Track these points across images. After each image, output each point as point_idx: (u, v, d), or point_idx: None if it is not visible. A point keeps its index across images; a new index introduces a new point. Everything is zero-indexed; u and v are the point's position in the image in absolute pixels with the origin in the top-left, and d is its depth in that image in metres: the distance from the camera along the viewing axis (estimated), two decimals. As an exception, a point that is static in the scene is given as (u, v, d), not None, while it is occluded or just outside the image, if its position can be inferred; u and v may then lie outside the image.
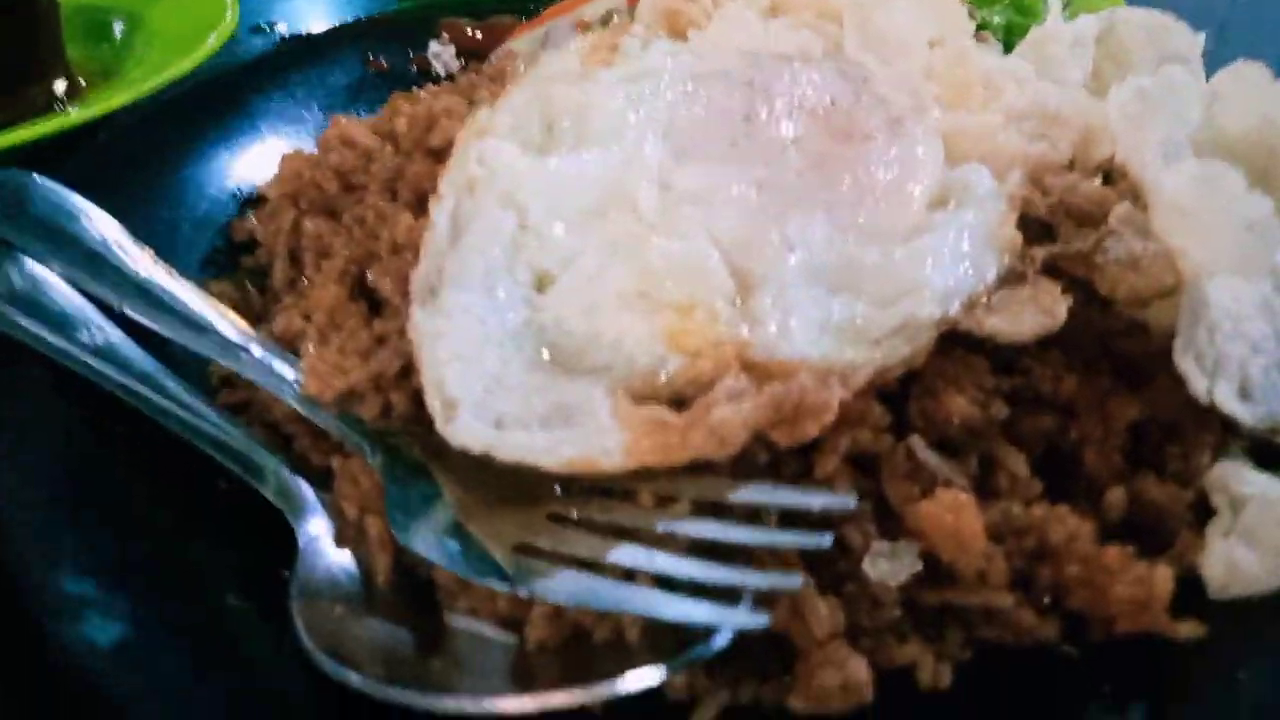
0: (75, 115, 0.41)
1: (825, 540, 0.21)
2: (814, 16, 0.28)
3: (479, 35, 0.40)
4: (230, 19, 0.45)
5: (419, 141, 0.30)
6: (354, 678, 0.20)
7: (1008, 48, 0.34)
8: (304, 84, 0.40)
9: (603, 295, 0.23)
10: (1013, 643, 0.22)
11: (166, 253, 0.32)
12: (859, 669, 0.20)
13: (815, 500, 0.21)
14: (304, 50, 0.41)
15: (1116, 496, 0.23)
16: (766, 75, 0.26)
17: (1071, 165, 0.26)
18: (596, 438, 0.21)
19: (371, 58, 0.41)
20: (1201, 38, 0.31)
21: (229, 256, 0.35)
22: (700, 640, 0.20)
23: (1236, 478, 0.22)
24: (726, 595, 0.20)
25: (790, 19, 0.29)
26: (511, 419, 0.21)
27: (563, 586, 0.20)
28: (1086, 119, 0.26)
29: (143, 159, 0.35)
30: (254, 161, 0.36)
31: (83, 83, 0.47)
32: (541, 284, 0.23)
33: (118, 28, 0.49)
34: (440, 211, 0.24)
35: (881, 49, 0.28)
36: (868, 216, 0.23)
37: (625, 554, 0.20)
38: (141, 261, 0.29)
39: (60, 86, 0.46)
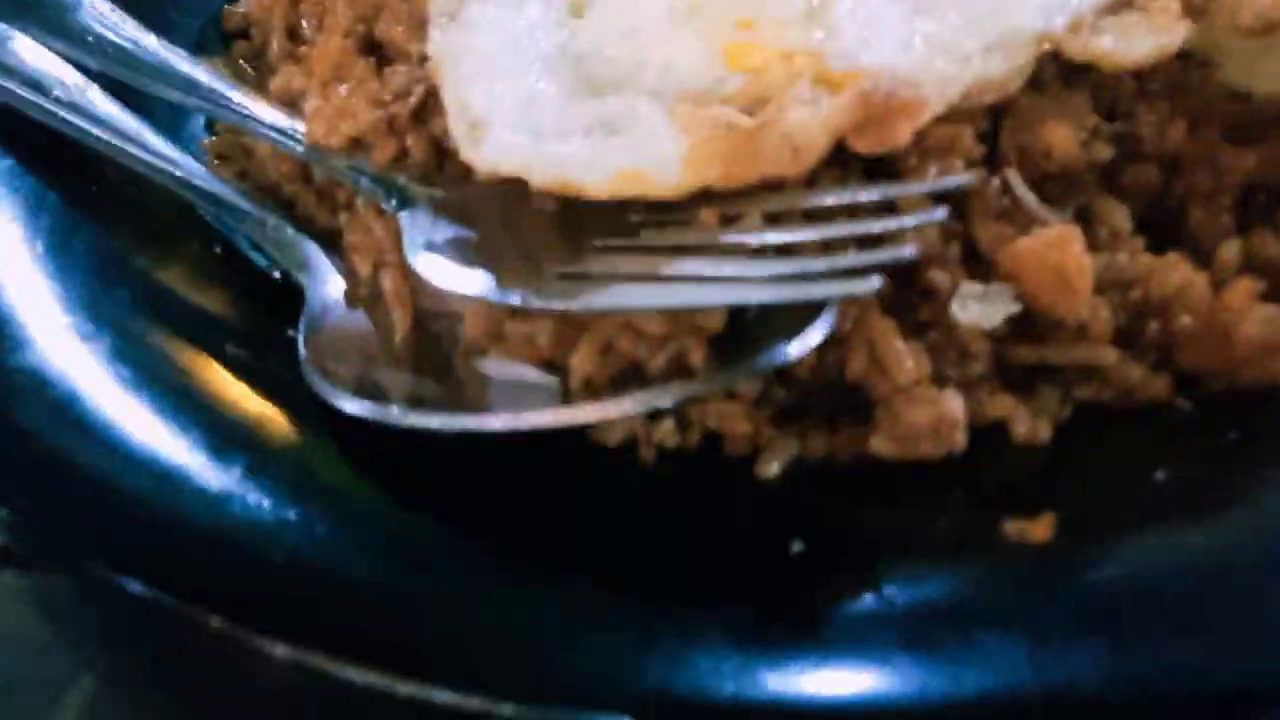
0: None
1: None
2: None
3: None
4: None
5: None
6: (373, 408, 0.17)
7: None
8: None
9: (647, 14, 0.20)
10: (1117, 402, 0.20)
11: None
12: (954, 405, 0.17)
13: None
14: None
15: (1230, 251, 0.20)
16: None
17: None
18: (650, 143, 0.18)
19: None
20: None
21: (221, 43, 0.32)
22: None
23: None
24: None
25: None
26: (548, 130, 0.18)
27: (620, 294, 0.17)
28: None
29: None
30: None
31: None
32: (577, 7, 0.21)
33: None
34: None
35: None
36: None
37: (690, 266, 0.17)
38: (124, 25, 0.26)
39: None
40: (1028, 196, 0.19)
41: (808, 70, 0.19)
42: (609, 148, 0.18)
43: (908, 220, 0.18)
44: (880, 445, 0.18)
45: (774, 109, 0.17)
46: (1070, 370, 0.20)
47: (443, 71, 0.20)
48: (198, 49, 0.33)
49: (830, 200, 0.18)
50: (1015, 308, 0.19)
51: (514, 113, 0.19)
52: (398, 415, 0.17)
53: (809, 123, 0.17)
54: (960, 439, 0.18)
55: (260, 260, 0.24)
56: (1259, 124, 0.23)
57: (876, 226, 0.18)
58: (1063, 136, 0.20)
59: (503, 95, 0.19)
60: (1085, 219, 0.22)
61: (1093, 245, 0.21)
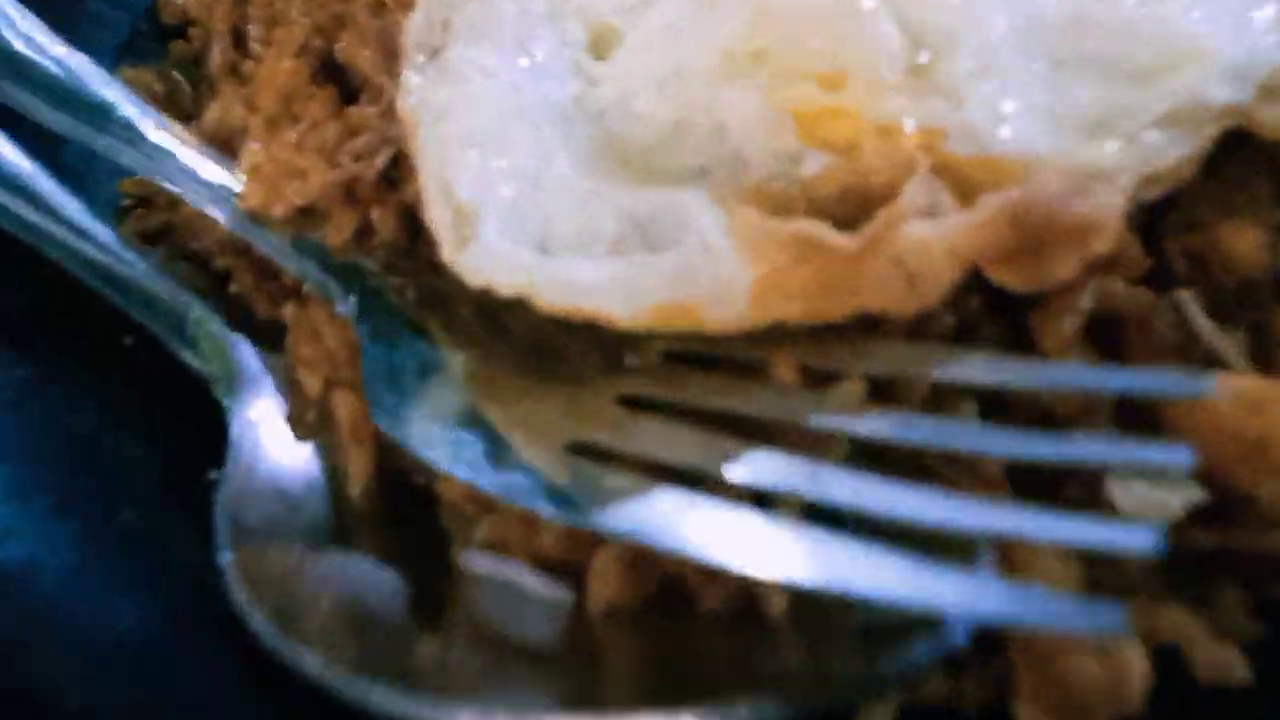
0: None
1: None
2: None
3: None
4: None
5: None
6: (310, 662, 0.13)
7: None
8: None
9: (694, 58, 0.14)
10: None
11: (67, 32, 0.24)
12: (1134, 661, 0.13)
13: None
14: None
15: None
16: None
17: None
18: (704, 265, 0.13)
19: None
20: None
21: (155, 42, 0.26)
22: (918, 634, 0.12)
23: None
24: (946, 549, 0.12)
25: None
26: (560, 240, 0.13)
27: (652, 515, 0.12)
28: None
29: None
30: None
31: None
32: (600, 44, 0.15)
33: None
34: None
35: None
36: None
37: (759, 465, 0.12)
38: (19, 24, 0.21)
39: None
40: (1205, 326, 0.15)
41: (921, 153, 0.14)
42: (646, 269, 0.13)
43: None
44: (1028, 710, 0.13)
45: (882, 222, 0.12)
46: (1265, 560, 0.15)
47: (420, 134, 0.15)
48: (125, 50, 0.28)
49: (965, 367, 0.13)
50: (1199, 495, 0.14)
51: (514, 205, 0.14)
52: (335, 678, 0.12)
53: (932, 244, 0.12)
54: (1138, 697, 0.13)
55: (183, 355, 0.19)
56: None
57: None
58: (1249, 242, 0.15)
59: (498, 176, 0.14)
60: (1260, 338, 0.18)
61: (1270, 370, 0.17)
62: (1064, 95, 0.14)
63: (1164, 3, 0.15)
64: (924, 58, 0.15)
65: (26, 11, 0.22)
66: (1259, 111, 0.15)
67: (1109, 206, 0.12)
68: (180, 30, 0.27)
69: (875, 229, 0.12)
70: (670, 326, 0.13)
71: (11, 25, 0.21)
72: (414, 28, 0.16)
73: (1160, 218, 0.16)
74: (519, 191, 0.14)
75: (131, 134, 0.19)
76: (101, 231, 0.19)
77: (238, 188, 0.18)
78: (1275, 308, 0.16)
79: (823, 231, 0.13)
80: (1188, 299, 0.15)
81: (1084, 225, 0.12)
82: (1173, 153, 0.14)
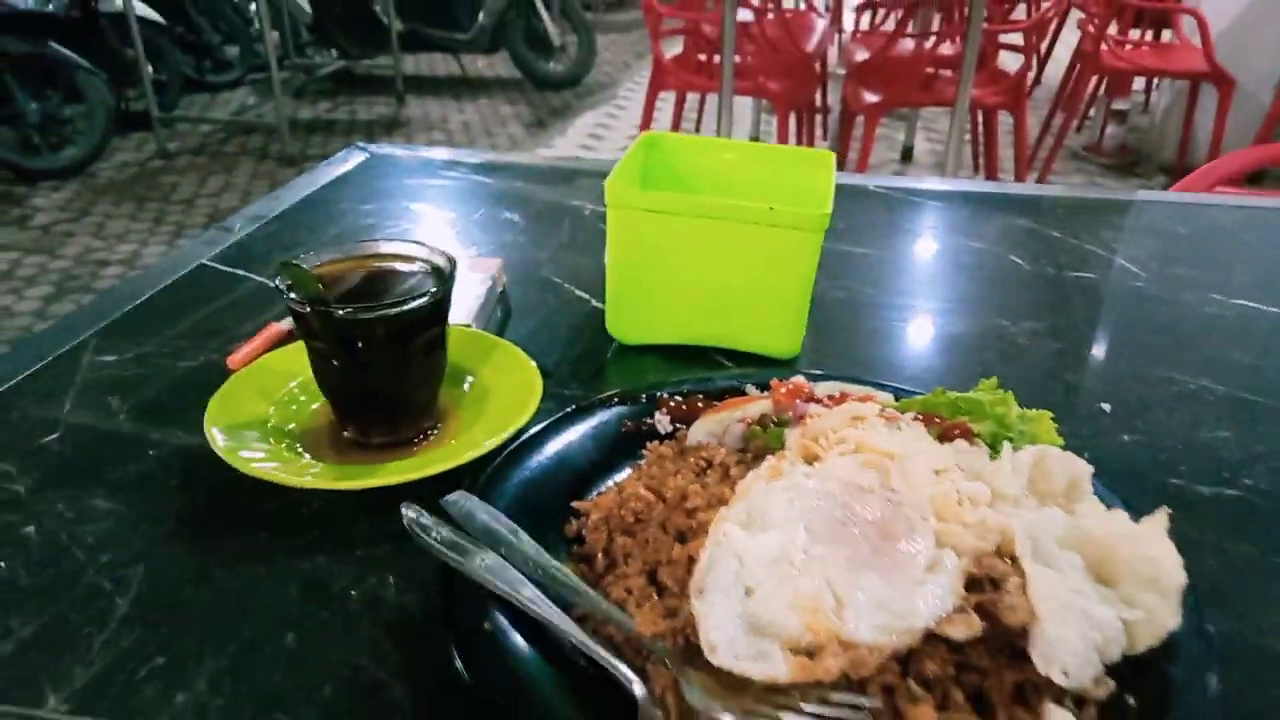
0: (442, 461, 0.62)
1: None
2: (877, 458, 0.58)
3: (683, 407, 0.70)
4: (537, 389, 0.71)
5: (676, 505, 0.59)
6: None
7: (993, 448, 0.62)
8: (594, 433, 0.69)
9: (776, 603, 0.51)
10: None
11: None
12: None
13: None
14: (586, 409, 0.70)
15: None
16: (850, 495, 0.55)
17: (997, 552, 0.54)
18: (774, 666, 0.47)
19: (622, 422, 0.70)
20: (1090, 469, 0.58)
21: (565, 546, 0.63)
22: None
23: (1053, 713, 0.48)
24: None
25: (863, 457, 0.58)
26: (741, 654, 0.49)
27: None
28: (1006, 527, 0.54)
29: (518, 487, 0.64)
30: (582, 482, 0.65)
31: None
32: (749, 593, 0.52)
33: (467, 382, 0.77)
34: (705, 555, 0.52)
35: (909, 480, 0.57)
36: (896, 576, 0.51)
37: None
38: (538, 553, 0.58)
39: (428, 423, 0.69)
40: (918, 691, 0.49)
41: (834, 637, 0.50)
42: (761, 668, 0.48)
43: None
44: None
45: (822, 657, 0.48)
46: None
47: (697, 620, 0.51)
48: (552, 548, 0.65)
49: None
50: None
51: (727, 645, 0.49)
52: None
53: (832, 665, 0.48)
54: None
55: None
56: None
57: None
58: (934, 665, 0.50)
59: (721, 636, 0.50)
60: (945, 699, 0.51)
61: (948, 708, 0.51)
62: (876, 621, 0.50)
63: (911, 595, 0.51)
64: (838, 608, 0.50)
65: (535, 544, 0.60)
66: (936, 626, 0.51)
67: (873, 659, 0.47)
68: (577, 539, 0.63)
69: (820, 659, 0.48)
70: (767, 680, 0.48)
71: (537, 554, 0.59)
72: (693, 583, 0.52)
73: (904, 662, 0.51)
74: (729, 640, 0.50)
75: (587, 596, 0.56)
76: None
77: (634, 623, 0.54)
78: (952, 688, 0.50)
79: (805, 661, 0.48)
80: (912, 682, 0.49)
81: (864, 662, 0.47)
82: (906, 640, 0.50)
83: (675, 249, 0.80)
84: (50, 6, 4.77)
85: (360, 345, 0.62)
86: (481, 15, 6.57)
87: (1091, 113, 5.47)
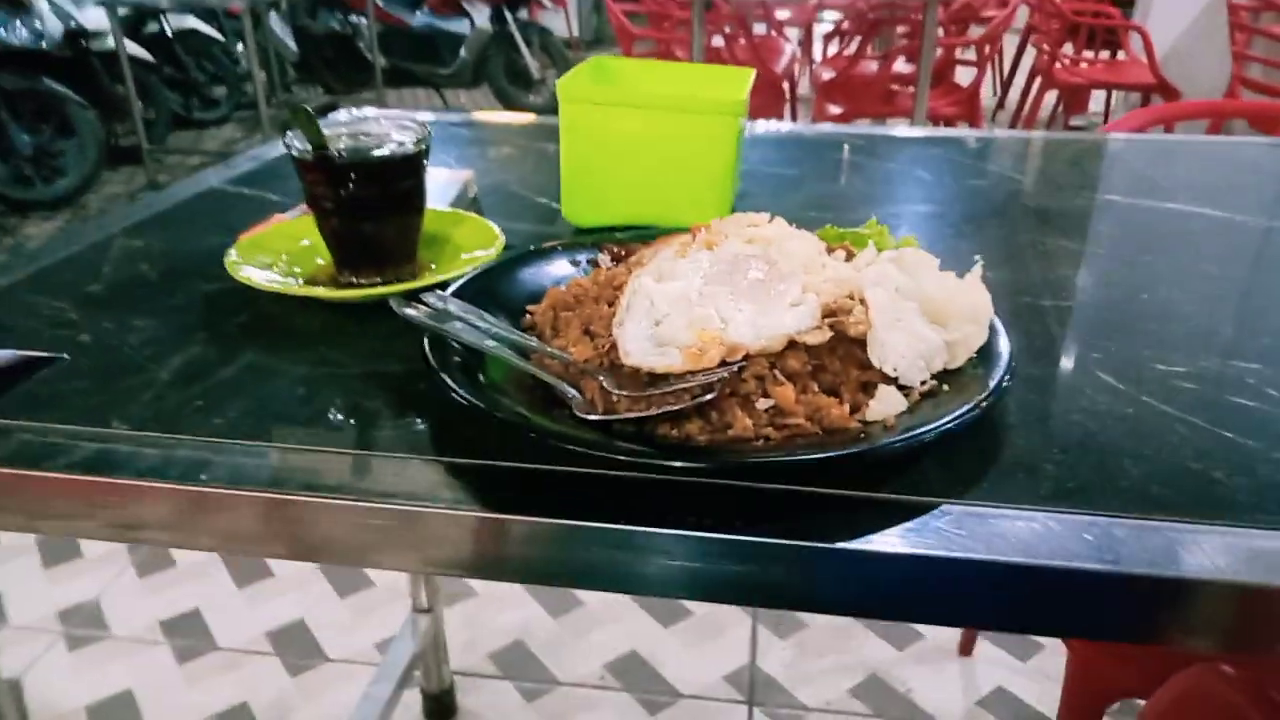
0: (424, 281, 0.80)
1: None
2: (761, 239, 0.74)
3: (622, 251, 0.86)
4: (500, 242, 0.89)
5: (606, 284, 0.75)
6: None
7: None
8: (546, 265, 0.86)
9: (676, 325, 0.66)
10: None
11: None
12: None
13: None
14: (536, 254, 0.87)
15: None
16: (737, 261, 0.71)
17: (850, 296, 0.69)
18: (671, 359, 0.62)
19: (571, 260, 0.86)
20: (936, 261, 0.75)
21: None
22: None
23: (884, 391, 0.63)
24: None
25: (753, 244, 0.74)
26: (649, 355, 0.64)
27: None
28: (857, 279, 0.70)
29: (483, 298, 0.80)
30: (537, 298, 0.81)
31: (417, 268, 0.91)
32: (656, 324, 0.67)
33: (442, 246, 0.94)
34: (623, 300, 0.67)
35: (784, 254, 0.73)
36: (769, 305, 0.67)
37: None
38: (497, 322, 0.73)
39: (408, 271, 0.87)
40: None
41: (721, 344, 0.65)
42: (661, 361, 0.63)
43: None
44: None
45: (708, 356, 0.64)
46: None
47: (618, 341, 0.66)
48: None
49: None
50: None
51: (641, 352, 0.65)
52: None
53: (713, 353, 0.63)
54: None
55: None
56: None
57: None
58: (790, 363, 0.65)
59: (636, 345, 0.65)
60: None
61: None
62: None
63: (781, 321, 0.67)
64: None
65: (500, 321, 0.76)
66: (798, 335, 0.66)
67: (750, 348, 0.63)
68: (530, 328, 0.80)
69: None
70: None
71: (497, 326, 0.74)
72: (615, 320, 0.68)
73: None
74: (641, 352, 0.65)
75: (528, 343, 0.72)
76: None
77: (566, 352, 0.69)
78: (806, 376, 0.66)
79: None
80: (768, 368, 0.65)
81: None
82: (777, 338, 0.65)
83: (619, 137, 0.96)
84: (44, 44, 4.97)
85: (352, 187, 0.77)
86: (463, 51, 6.82)
87: (1052, 130, 5.72)
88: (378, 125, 0.87)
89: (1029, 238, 1.01)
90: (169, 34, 6.43)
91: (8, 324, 0.80)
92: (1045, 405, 0.61)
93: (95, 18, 5.52)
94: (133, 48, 5.62)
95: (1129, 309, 0.76)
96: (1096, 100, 5.94)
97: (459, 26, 6.01)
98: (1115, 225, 1.07)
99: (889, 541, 0.48)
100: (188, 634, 1.91)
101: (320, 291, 0.73)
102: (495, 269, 0.74)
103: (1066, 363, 0.73)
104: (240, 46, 7.16)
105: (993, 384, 0.56)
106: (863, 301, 0.66)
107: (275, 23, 6.81)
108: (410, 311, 0.69)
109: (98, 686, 1.76)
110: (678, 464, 0.50)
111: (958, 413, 0.53)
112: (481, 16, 6.77)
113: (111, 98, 5.73)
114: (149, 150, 5.75)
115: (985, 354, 0.60)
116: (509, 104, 7.02)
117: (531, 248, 0.84)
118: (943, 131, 1.72)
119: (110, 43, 5.53)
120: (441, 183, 1.05)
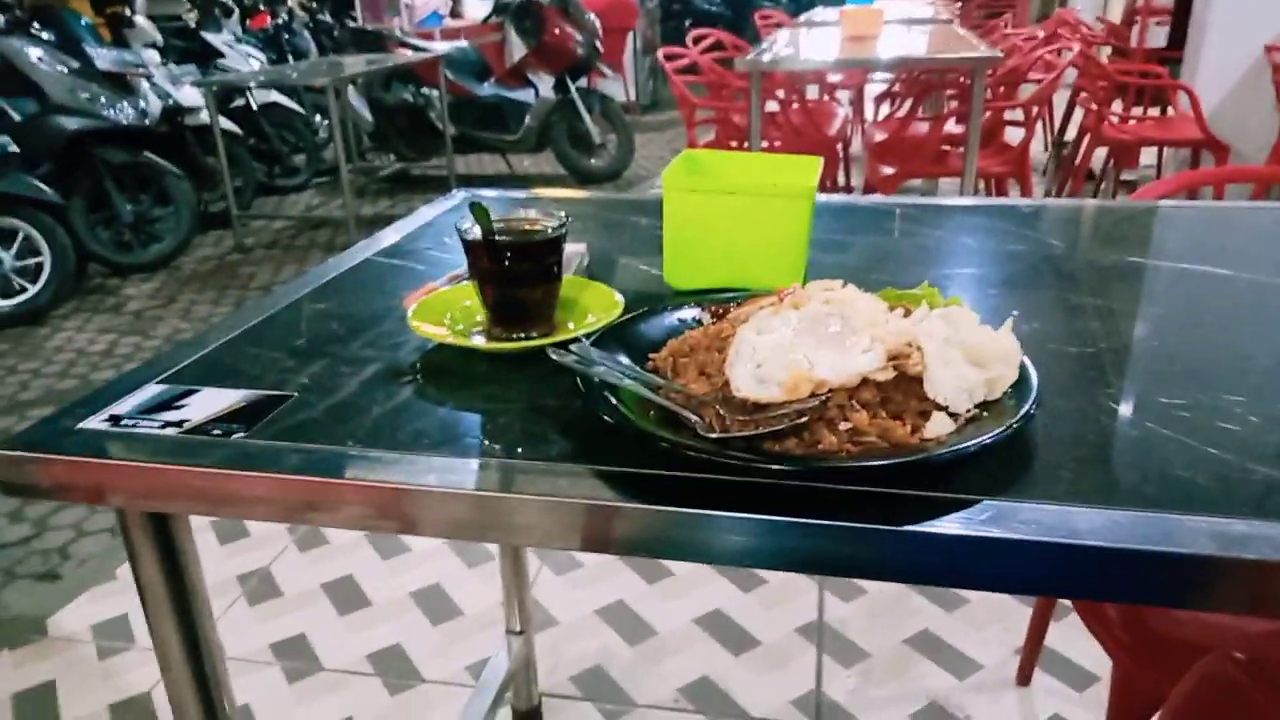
0: (567, 334, 1.05)
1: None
2: (836, 300, 0.94)
3: (720, 310, 1.06)
4: (620, 304, 1.11)
5: (715, 336, 0.95)
6: None
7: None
8: (660, 321, 1.06)
9: (774, 366, 0.85)
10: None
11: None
12: None
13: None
14: (651, 312, 1.08)
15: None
16: (818, 318, 0.91)
17: (908, 344, 0.88)
18: (771, 390, 0.83)
19: (679, 318, 1.07)
20: (977, 317, 0.94)
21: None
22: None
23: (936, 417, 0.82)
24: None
25: (830, 304, 0.94)
26: (753, 388, 0.83)
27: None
28: (913, 331, 0.89)
29: (613, 348, 1.00)
30: (655, 347, 1.02)
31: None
32: (758, 365, 0.87)
33: (572, 307, 1.15)
34: (732, 349, 0.87)
35: (855, 312, 0.92)
36: (845, 352, 0.86)
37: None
38: (631, 366, 0.95)
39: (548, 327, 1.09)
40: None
41: (811, 383, 0.84)
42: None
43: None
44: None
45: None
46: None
47: (730, 378, 0.86)
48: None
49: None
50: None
51: (746, 386, 0.84)
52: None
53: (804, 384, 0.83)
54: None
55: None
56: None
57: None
58: (865, 394, 0.84)
59: (744, 382, 0.85)
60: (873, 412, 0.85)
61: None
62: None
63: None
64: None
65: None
66: (868, 373, 0.85)
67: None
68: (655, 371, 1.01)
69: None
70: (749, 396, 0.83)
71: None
72: (729, 358, 0.87)
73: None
74: (747, 384, 0.84)
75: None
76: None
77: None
78: (876, 410, 0.85)
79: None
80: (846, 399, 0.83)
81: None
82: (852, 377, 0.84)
83: (712, 217, 1.18)
84: (146, 121, 5.40)
85: (509, 263, 1.00)
86: (528, 119, 7.19)
87: (1103, 185, 5.85)
88: (526, 213, 1.09)
89: (1056, 294, 1.19)
90: (254, 107, 6.90)
91: (237, 369, 1.03)
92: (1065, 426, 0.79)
93: (191, 95, 5.97)
94: (223, 122, 6.07)
95: (1141, 352, 0.94)
96: (1148, 154, 6.05)
97: (525, 96, 6.37)
98: (1135, 284, 1.26)
99: (941, 525, 0.67)
100: (296, 656, 2.10)
101: (488, 345, 0.94)
102: (623, 324, 0.94)
103: (1080, 394, 0.92)
104: (319, 118, 7.62)
105: (1022, 411, 0.75)
106: (919, 348, 0.85)
107: (352, 95, 7.26)
108: (563, 358, 0.90)
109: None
110: (778, 468, 0.70)
111: (994, 433, 0.72)
112: (545, 86, 7.15)
113: (204, 168, 6.18)
114: (237, 215, 6.18)
115: (1018, 388, 0.79)
116: (571, 167, 7.36)
117: (647, 308, 1.05)
118: (986, 200, 1.90)
119: (204, 117, 5.98)
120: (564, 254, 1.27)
